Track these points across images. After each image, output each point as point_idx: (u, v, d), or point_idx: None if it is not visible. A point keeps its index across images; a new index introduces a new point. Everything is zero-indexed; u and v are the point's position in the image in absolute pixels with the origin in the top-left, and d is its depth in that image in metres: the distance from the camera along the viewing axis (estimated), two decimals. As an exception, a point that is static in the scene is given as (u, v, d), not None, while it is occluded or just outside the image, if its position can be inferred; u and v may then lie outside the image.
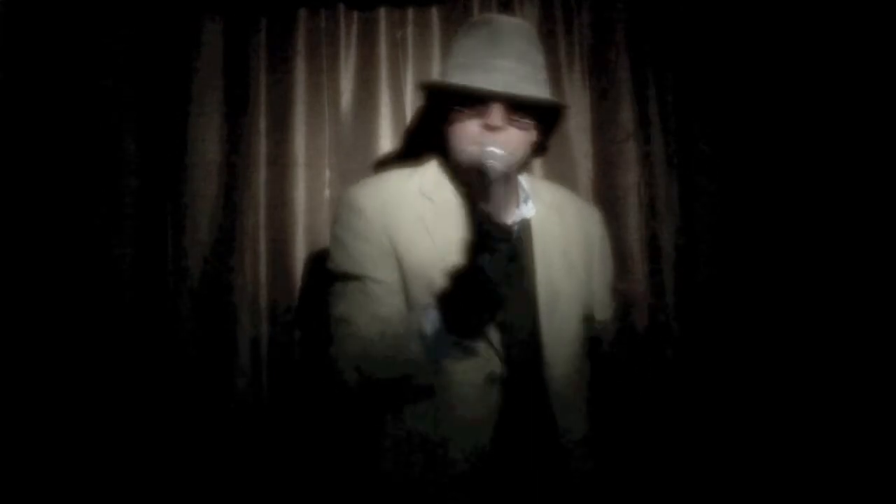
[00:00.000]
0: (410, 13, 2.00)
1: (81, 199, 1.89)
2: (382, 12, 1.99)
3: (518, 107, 1.37)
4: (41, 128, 1.87)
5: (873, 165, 1.91)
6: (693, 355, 1.92)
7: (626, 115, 2.00)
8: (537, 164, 1.93)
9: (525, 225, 1.45)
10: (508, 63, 1.38)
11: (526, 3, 2.01)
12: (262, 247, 1.94)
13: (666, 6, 2.00)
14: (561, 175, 1.96)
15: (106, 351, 1.86)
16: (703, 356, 1.92)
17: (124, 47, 1.93)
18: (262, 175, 1.95)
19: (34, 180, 1.86)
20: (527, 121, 1.39)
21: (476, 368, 1.33)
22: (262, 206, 1.94)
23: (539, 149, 1.49)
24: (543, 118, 1.43)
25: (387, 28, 1.99)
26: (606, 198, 1.98)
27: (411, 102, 1.98)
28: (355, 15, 1.99)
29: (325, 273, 1.45)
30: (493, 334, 1.34)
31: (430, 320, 1.28)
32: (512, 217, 1.37)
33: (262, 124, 1.96)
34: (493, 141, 1.34)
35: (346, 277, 1.40)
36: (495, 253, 1.22)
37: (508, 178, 1.33)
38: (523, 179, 1.51)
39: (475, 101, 1.37)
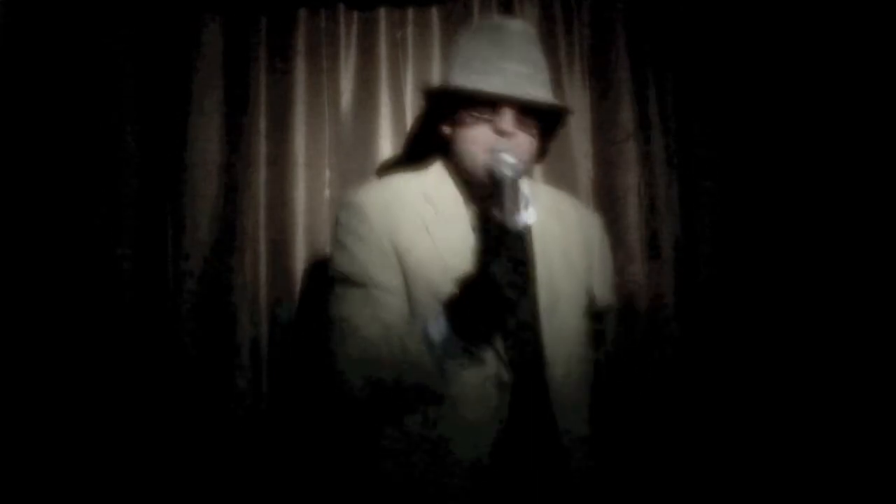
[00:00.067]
0: (410, 13, 2.00)
1: (81, 199, 1.89)
2: (382, 12, 1.99)
3: (526, 111, 1.37)
4: (41, 128, 1.87)
5: (873, 165, 1.91)
6: (693, 355, 1.92)
7: (626, 115, 2.00)
8: (537, 164, 1.93)
9: (526, 228, 1.44)
10: (517, 67, 1.38)
11: (526, 3, 2.01)
12: (262, 247, 1.94)
13: (666, 6, 2.00)
14: (561, 175, 1.96)
15: (106, 351, 1.85)
16: (703, 356, 1.92)
17: (124, 47, 1.93)
18: (262, 175, 1.95)
19: (34, 180, 1.86)
20: (534, 125, 1.40)
21: (484, 375, 1.33)
22: (262, 206, 1.94)
23: (539, 153, 1.48)
24: (546, 123, 1.43)
25: (387, 28, 1.99)
26: (606, 198, 1.98)
27: (411, 102, 1.98)
28: (355, 15, 1.99)
29: (327, 277, 1.44)
30: (498, 339, 1.34)
31: (438, 327, 1.28)
32: (520, 223, 1.36)
33: (262, 124, 1.96)
34: (505, 145, 1.34)
35: (350, 282, 1.38)
36: (506, 260, 1.21)
37: (517, 184, 1.32)
38: (523, 184, 1.51)
39: (485, 104, 1.36)
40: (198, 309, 1.91)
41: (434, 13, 2.00)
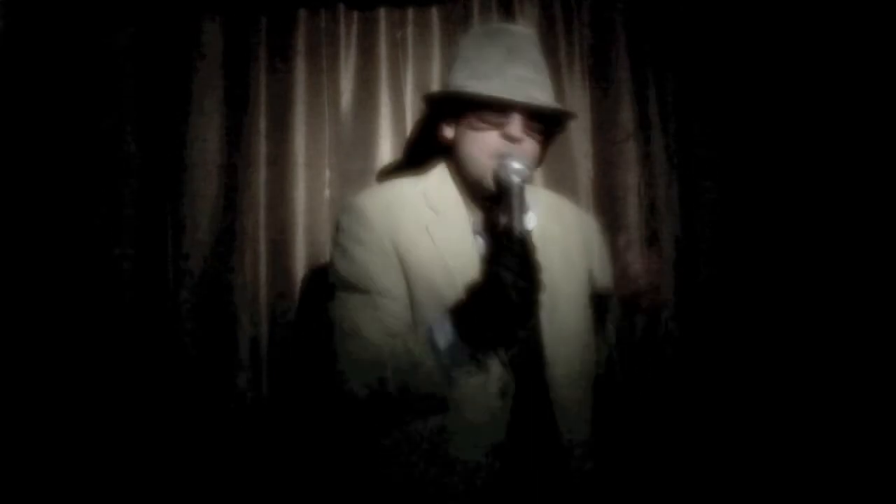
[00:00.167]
0: (410, 13, 2.00)
1: (81, 199, 1.89)
2: (382, 12, 1.99)
3: (532, 116, 1.37)
4: (41, 127, 1.88)
5: (873, 164, 1.91)
6: (693, 355, 1.92)
7: (626, 115, 2.00)
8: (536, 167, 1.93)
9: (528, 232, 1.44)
10: (524, 71, 1.38)
11: (526, 3, 2.01)
12: (262, 247, 1.94)
13: (666, 6, 2.00)
14: (561, 175, 1.96)
15: (106, 351, 1.86)
16: (703, 356, 1.92)
17: (124, 47, 1.94)
18: (262, 175, 1.95)
19: (34, 180, 1.87)
20: (539, 129, 1.40)
21: (489, 381, 1.32)
22: (262, 206, 1.94)
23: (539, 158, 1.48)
24: (548, 127, 1.43)
25: (387, 28, 1.99)
26: (606, 198, 1.98)
27: (411, 102, 1.98)
28: (355, 15, 1.99)
29: (327, 282, 1.43)
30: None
31: (444, 333, 1.27)
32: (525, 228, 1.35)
33: (262, 124, 1.96)
34: (514, 150, 1.34)
35: (352, 288, 1.37)
36: (514, 266, 1.21)
37: (524, 190, 1.32)
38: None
39: (493, 109, 1.36)
40: (198, 309, 1.91)
41: (434, 13, 2.00)
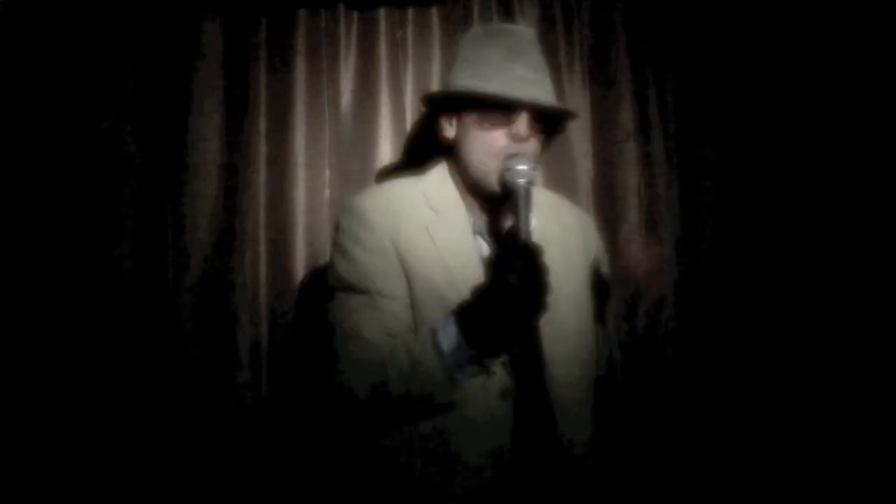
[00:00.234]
0: (410, 13, 2.00)
1: (81, 199, 1.89)
2: (382, 12, 1.99)
3: (536, 117, 1.37)
4: (41, 128, 1.88)
5: (873, 164, 1.91)
6: (693, 355, 1.92)
7: (626, 115, 2.00)
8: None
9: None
10: (527, 73, 1.38)
11: (526, 3, 2.00)
12: (262, 247, 1.94)
13: (666, 6, 2.00)
14: (561, 175, 1.96)
15: (106, 351, 1.86)
16: (704, 356, 1.92)
17: (124, 47, 1.94)
18: (262, 175, 1.95)
19: (34, 180, 1.86)
20: (541, 130, 1.39)
21: (490, 382, 1.32)
22: (262, 206, 1.94)
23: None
24: (548, 128, 1.43)
25: (387, 28, 1.99)
26: (606, 198, 1.98)
27: (411, 102, 1.98)
28: (355, 15, 1.99)
29: (327, 284, 1.42)
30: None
31: (448, 335, 1.27)
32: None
33: (262, 124, 1.96)
34: (519, 150, 1.34)
35: (353, 290, 1.36)
36: (521, 269, 1.21)
37: (531, 192, 1.31)
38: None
39: (498, 109, 1.35)
40: (198, 309, 1.91)
41: (434, 13, 2.00)
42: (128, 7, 1.93)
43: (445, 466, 1.31)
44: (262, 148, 1.96)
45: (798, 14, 1.95)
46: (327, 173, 1.95)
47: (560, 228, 1.48)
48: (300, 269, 1.93)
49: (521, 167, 1.31)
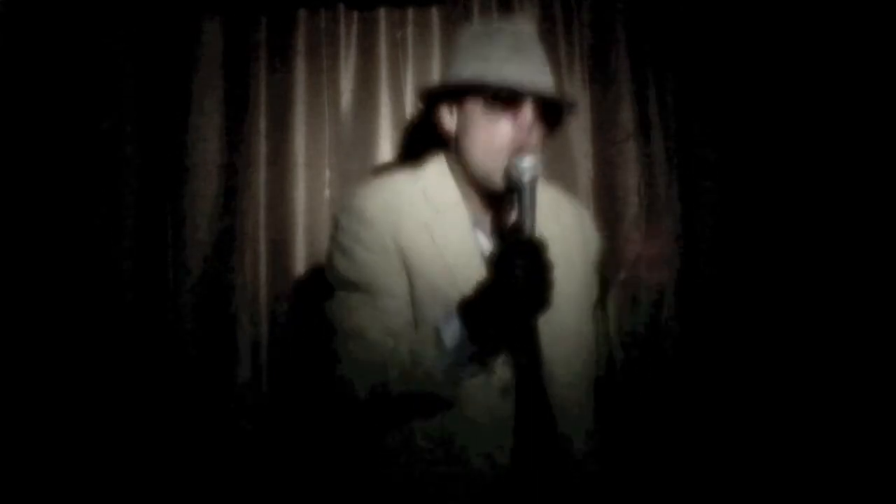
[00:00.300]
0: (410, 13, 2.00)
1: (81, 199, 1.89)
2: (382, 12, 1.99)
3: (539, 110, 1.35)
4: (41, 128, 1.88)
5: (873, 163, 1.91)
6: (693, 355, 1.92)
7: (626, 115, 2.00)
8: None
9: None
10: (533, 65, 1.37)
11: (526, 2, 2.01)
12: (262, 247, 1.94)
13: (666, 6, 2.00)
14: (561, 175, 1.95)
15: (106, 351, 1.86)
16: (703, 355, 1.92)
17: (124, 47, 1.94)
18: (262, 175, 1.95)
19: (34, 180, 1.87)
20: (544, 124, 1.38)
21: (491, 380, 1.31)
22: (262, 206, 1.94)
23: None
24: (547, 124, 1.42)
25: (387, 28, 1.99)
26: (606, 198, 1.98)
27: (411, 102, 1.98)
28: (355, 15, 2.00)
29: (327, 283, 1.41)
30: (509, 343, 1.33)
31: (452, 332, 1.26)
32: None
33: (262, 124, 1.96)
34: (524, 141, 1.33)
35: (355, 289, 1.34)
36: (526, 265, 1.20)
37: (536, 187, 1.30)
38: None
39: (503, 101, 1.34)
40: (198, 309, 1.91)
41: (434, 13, 2.00)
42: (128, 7, 1.94)
43: (446, 467, 1.31)
44: (262, 148, 1.96)
45: (798, 14, 1.95)
46: (327, 173, 1.96)
47: (559, 228, 1.46)
48: (300, 269, 1.93)
49: (527, 161, 1.30)
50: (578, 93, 2.00)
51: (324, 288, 1.43)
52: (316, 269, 1.88)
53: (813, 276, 1.91)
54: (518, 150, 1.33)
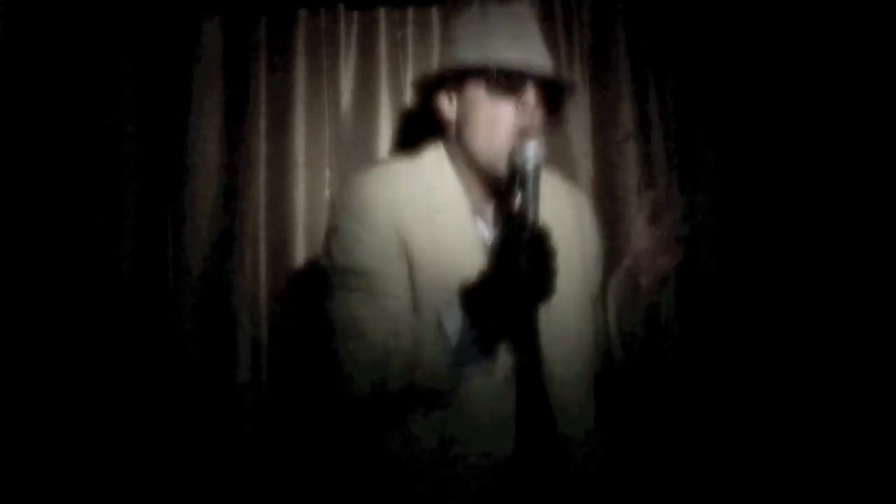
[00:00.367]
0: (410, 13, 2.00)
1: (81, 199, 1.89)
2: (382, 12, 1.99)
3: (541, 93, 1.34)
4: (41, 128, 1.88)
5: (873, 164, 1.91)
6: (693, 355, 1.92)
7: (626, 115, 2.00)
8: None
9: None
10: (534, 46, 1.36)
11: (525, 2, 2.00)
12: (262, 247, 1.94)
13: (666, 6, 2.00)
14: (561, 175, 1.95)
15: (106, 351, 1.85)
16: (704, 355, 1.92)
17: (124, 47, 1.94)
18: (262, 175, 1.95)
19: (34, 180, 1.86)
20: (544, 109, 1.37)
21: (494, 369, 1.30)
22: (262, 206, 1.94)
23: None
24: (548, 107, 1.40)
25: (387, 28, 1.99)
26: (606, 198, 1.98)
27: (412, 102, 1.98)
28: (355, 15, 1.99)
29: (323, 270, 1.39)
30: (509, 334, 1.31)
31: (454, 319, 1.24)
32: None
33: (262, 124, 1.96)
34: (529, 125, 1.32)
35: (354, 276, 1.32)
36: (530, 253, 1.18)
37: (540, 173, 1.28)
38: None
39: (505, 85, 1.33)
40: (198, 309, 1.91)
41: (434, 13, 2.00)
42: (128, 7, 1.93)
43: (446, 467, 1.29)
44: (262, 148, 1.96)
45: (798, 14, 1.95)
46: (327, 173, 1.96)
47: (557, 222, 1.37)
48: (300, 270, 1.92)
49: (531, 147, 1.28)
50: (578, 93, 2.00)
51: (323, 286, 1.41)
52: (316, 269, 1.88)
53: (813, 276, 1.91)
54: (521, 134, 1.31)
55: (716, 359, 1.91)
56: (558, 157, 1.94)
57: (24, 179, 1.86)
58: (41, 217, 1.86)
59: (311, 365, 1.82)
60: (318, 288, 1.40)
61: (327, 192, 1.95)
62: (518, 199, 1.28)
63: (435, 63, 1.98)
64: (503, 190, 1.37)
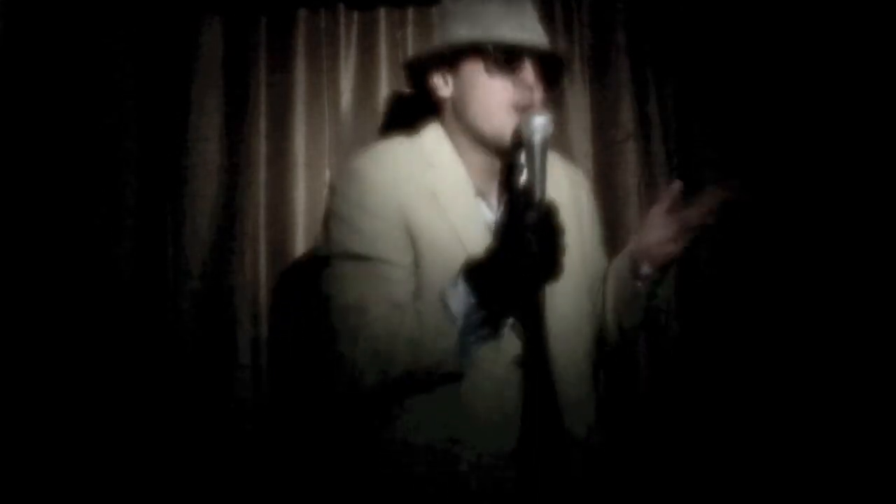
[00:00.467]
0: (410, 13, 2.00)
1: (81, 199, 1.89)
2: (382, 12, 1.99)
3: (539, 67, 1.33)
4: (41, 128, 1.88)
5: (873, 164, 1.91)
6: (693, 354, 1.92)
7: (626, 115, 2.00)
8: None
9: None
10: (528, 23, 1.36)
11: (526, 2, 2.00)
12: (262, 247, 1.94)
13: (666, 6, 2.00)
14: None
15: (106, 351, 1.85)
16: (704, 355, 1.92)
17: (124, 47, 1.94)
18: (262, 175, 1.95)
19: (34, 180, 1.86)
20: (543, 83, 1.36)
21: (499, 352, 1.27)
22: (262, 206, 1.94)
23: None
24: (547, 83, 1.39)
25: (387, 28, 1.99)
26: (606, 198, 1.97)
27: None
28: (355, 15, 2.00)
29: (322, 255, 1.35)
30: (515, 315, 1.29)
31: (458, 297, 1.21)
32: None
33: (262, 124, 1.96)
34: (530, 99, 1.31)
35: (357, 259, 1.28)
36: (537, 229, 1.16)
37: (547, 147, 1.26)
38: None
39: (502, 60, 1.31)
40: (198, 309, 1.91)
41: (434, 13, 2.00)
42: (128, 7, 1.94)
43: (450, 464, 1.27)
44: (262, 148, 1.96)
45: (798, 14, 1.95)
46: (327, 173, 1.96)
47: (554, 201, 1.33)
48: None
49: (538, 119, 1.26)
50: (578, 93, 2.00)
51: (323, 274, 1.36)
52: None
53: (813, 276, 1.91)
54: (525, 109, 1.30)
55: (716, 359, 1.91)
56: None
57: (24, 179, 1.86)
58: (41, 217, 1.86)
59: (312, 364, 1.82)
60: (318, 279, 1.37)
61: (327, 193, 1.94)
62: (524, 176, 1.25)
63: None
64: (502, 171, 1.36)
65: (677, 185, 1.39)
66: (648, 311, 1.43)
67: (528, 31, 1.35)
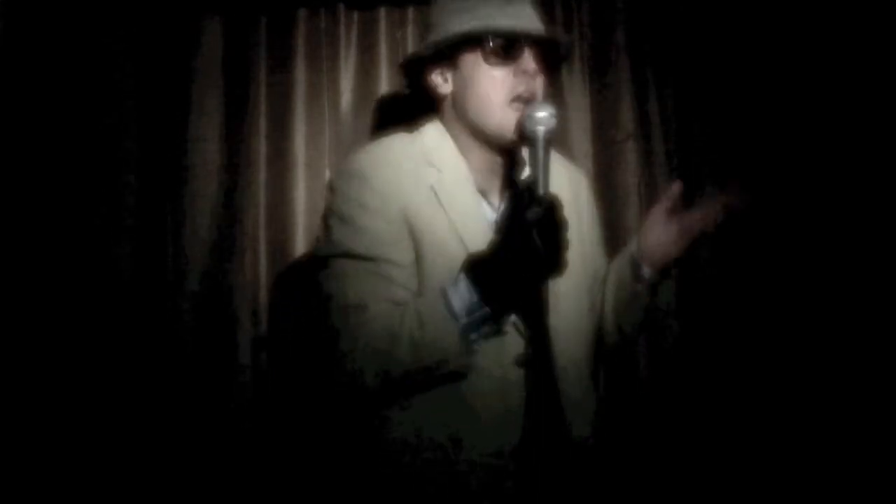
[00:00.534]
0: (410, 13, 2.00)
1: (81, 199, 1.89)
2: (382, 12, 1.99)
3: (539, 55, 1.32)
4: (41, 127, 1.88)
5: (873, 164, 1.91)
6: (693, 353, 1.92)
7: (626, 115, 2.00)
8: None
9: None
10: (525, 13, 1.35)
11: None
12: (262, 247, 1.94)
13: (666, 6, 2.01)
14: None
15: (106, 351, 1.85)
16: (704, 355, 1.92)
17: (124, 47, 1.94)
18: (262, 175, 1.95)
19: (34, 180, 1.86)
20: (544, 71, 1.35)
21: (502, 351, 1.27)
22: (262, 206, 1.94)
23: None
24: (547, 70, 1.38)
25: (387, 28, 1.99)
26: (606, 198, 1.97)
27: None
28: (355, 15, 2.00)
29: (322, 254, 1.33)
30: (518, 312, 1.28)
31: (460, 295, 1.20)
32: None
33: (262, 124, 1.96)
34: (531, 89, 1.30)
35: (357, 259, 1.27)
36: (541, 224, 1.14)
37: (551, 139, 1.24)
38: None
39: (501, 49, 1.30)
40: (198, 309, 1.91)
41: (430, 11, 2.00)
42: (128, 7, 1.93)
43: (452, 465, 1.27)
44: (262, 148, 1.96)
45: (798, 14, 1.95)
46: (327, 173, 1.95)
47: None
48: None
49: (542, 111, 1.25)
50: (578, 93, 2.00)
51: (322, 273, 1.34)
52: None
53: (813, 276, 1.91)
54: (528, 100, 1.30)
55: (716, 360, 1.92)
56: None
57: (24, 179, 1.86)
58: (41, 217, 1.86)
59: (312, 364, 1.82)
60: (318, 279, 1.36)
61: (327, 191, 1.94)
62: (527, 171, 1.24)
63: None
64: (508, 166, 1.35)
65: (677, 186, 1.38)
66: (648, 312, 1.43)
67: (526, 19, 1.34)
